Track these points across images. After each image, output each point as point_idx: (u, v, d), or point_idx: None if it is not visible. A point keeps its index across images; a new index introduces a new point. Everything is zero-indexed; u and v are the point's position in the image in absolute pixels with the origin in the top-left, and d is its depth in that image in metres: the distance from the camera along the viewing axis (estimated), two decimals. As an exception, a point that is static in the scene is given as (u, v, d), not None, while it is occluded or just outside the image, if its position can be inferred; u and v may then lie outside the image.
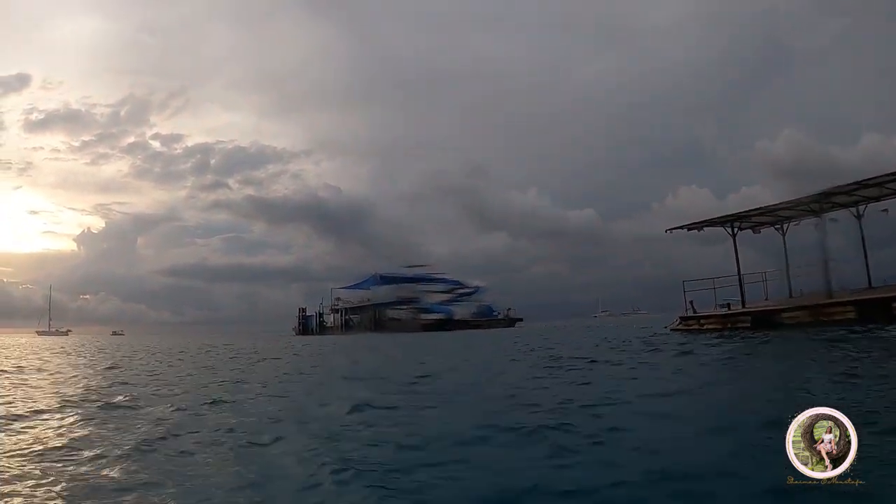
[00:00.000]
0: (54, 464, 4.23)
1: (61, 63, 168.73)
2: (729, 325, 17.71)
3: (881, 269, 18.60)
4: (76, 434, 5.42)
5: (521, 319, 70.18)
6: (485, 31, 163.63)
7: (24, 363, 17.46)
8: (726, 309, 18.87)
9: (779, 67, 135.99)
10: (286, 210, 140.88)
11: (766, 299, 20.21)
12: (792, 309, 16.69)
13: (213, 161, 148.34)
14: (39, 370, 14.56)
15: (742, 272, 19.17)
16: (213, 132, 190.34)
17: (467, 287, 74.35)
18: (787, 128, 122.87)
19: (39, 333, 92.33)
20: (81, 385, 10.39)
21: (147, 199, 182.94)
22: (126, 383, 10.50)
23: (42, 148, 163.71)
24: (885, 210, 17.75)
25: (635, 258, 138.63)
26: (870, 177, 15.53)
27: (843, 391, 5.82)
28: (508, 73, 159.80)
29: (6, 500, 3.38)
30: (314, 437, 4.95)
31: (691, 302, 19.97)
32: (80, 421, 6.21)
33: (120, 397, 8.15)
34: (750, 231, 20.54)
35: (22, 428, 5.76)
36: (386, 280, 70.79)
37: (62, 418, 6.39)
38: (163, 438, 5.10)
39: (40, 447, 4.81)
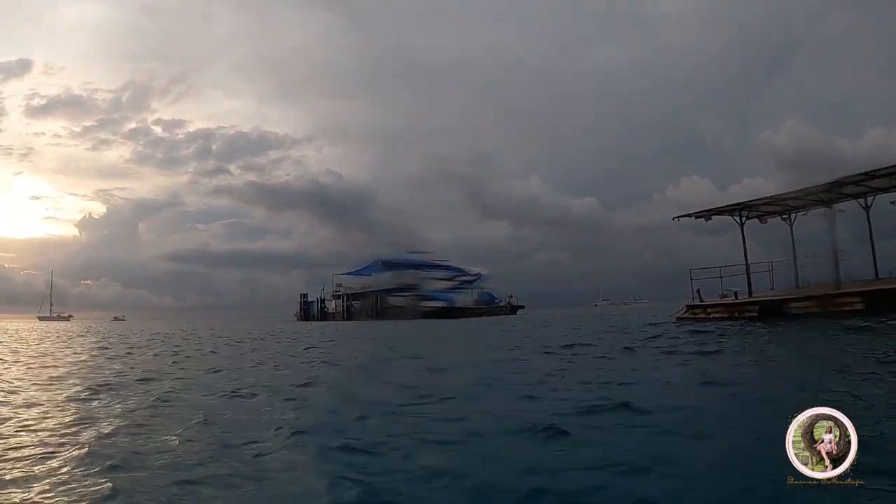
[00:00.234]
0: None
1: (63, 48, 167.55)
2: (736, 315, 17.80)
3: (888, 260, 18.73)
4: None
5: (522, 307, 70.36)
6: (489, 19, 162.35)
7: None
8: (733, 298, 18.96)
9: (784, 59, 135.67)
10: (288, 196, 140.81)
11: (772, 289, 20.30)
12: (800, 299, 16.78)
13: (214, 147, 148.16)
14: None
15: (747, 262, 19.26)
16: (214, 118, 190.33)
17: (469, 274, 74.30)
18: (791, 119, 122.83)
19: (41, 319, 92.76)
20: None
21: (148, 184, 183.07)
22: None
23: (43, 133, 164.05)
24: (894, 202, 17.76)
25: (636, 247, 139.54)
26: (880, 167, 15.52)
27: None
28: (513, 62, 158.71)
29: None
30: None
31: (698, 290, 20.04)
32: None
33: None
34: (756, 220, 20.60)
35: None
36: (388, 266, 70.60)
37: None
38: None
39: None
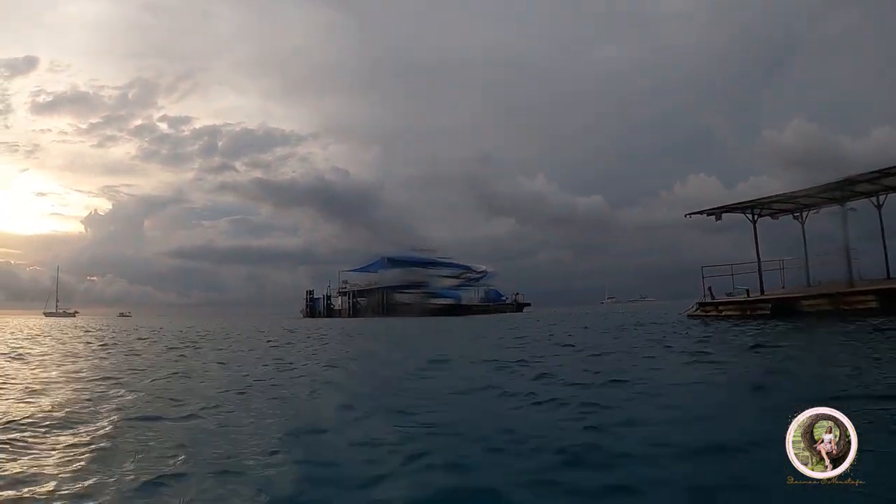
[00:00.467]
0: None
1: (69, 45, 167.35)
2: (748, 312, 17.91)
3: (900, 258, 18.73)
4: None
5: (528, 304, 70.38)
6: (494, 18, 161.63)
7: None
8: (745, 296, 19.06)
9: (789, 57, 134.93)
10: (293, 193, 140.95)
11: (783, 287, 20.39)
12: (813, 297, 16.85)
13: (220, 143, 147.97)
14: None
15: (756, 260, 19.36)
16: (220, 114, 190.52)
17: (475, 272, 74.40)
18: (797, 117, 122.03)
19: (46, 315, 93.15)
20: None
21: (154, 181, 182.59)
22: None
23: (49, 130, 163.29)
24: (908, 200, 17.79)
25: (641, 246, 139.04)
26: (893, 165, 15.55)
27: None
28: (518, 60, 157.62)
29: None
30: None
31: (710, 288, 20.14)
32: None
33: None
34: (768, 218, 20.67)
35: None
36: (394, 263, 70.60)
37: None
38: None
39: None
